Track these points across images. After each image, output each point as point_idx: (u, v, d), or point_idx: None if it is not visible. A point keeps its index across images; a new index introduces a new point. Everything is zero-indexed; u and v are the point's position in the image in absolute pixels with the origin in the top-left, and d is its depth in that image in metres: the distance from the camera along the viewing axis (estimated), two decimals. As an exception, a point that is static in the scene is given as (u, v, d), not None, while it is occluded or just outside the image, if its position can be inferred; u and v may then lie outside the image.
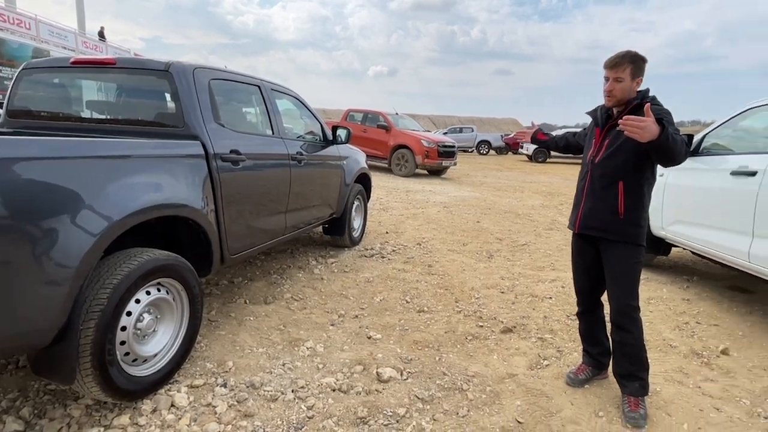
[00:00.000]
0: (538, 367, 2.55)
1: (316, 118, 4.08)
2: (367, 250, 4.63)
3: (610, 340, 2.26)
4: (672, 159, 1.88)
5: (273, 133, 3.23)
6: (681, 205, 3.90)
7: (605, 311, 2.34)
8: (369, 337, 2.78)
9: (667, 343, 2.90)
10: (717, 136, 4.02)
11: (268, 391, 2.13)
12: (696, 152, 3.98)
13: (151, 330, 2.04)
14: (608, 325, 2.27)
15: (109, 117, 2.84)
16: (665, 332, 3.06)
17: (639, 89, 2.07)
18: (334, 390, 2.20)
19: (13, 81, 2.88)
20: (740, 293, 3.90)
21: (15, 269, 1.48)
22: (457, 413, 2.08)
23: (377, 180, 10.39)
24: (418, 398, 2.17)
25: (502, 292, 3.67)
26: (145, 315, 1.99)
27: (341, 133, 4.14)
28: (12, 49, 12.81)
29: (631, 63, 2.00)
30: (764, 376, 2.55)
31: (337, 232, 4.51)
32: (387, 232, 5.48)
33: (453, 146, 12.37)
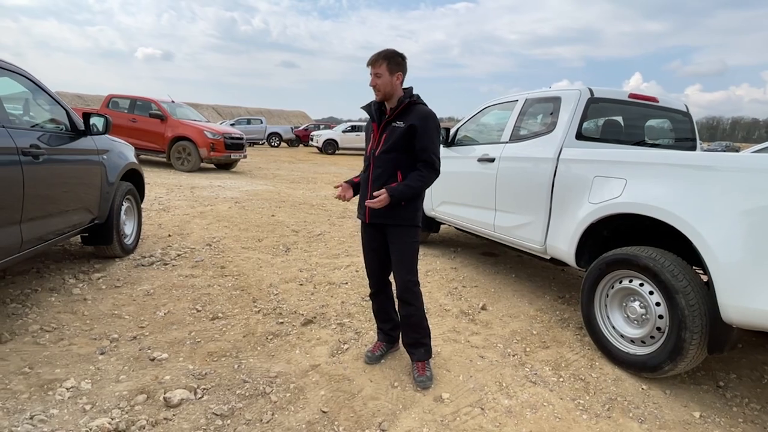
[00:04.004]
0: (339, 352, 2.62)
1: (60, 104, 3.29)
2: (144, 257, 4.02)
3: (399, 315, 2.48)
4: (420, 190, 2.31)
5: (-12, 121, 2.45)
6: (444, 188, 4.55)
7: (393, 289, 2.55)
8: (152, 359, 2.40)
9: (443, 308, 3.35)
10: (466, 130, 4.83)
11: (6, 460, 1.62)
12: (452, 143, 4.72)
13: None
14: (396, 302, 2.49)
15: None
16: (441, 299, 3.54)
17: (405, 87, 2.33)
18: (108, 432, 1.82)
19: None
20: (490, 257, 4.80)
21: None
22: (261, 420, 1.97)
23: (155, 177, 9.16)
24: (216, 415, 1.97)
25: (301, 284, 3.67)
26: None
27: (97, 122, 3.45)
28: None
29: (385, 59, 2.24)
30: (510, 323, 3.19)
31: (102, 241, 3.77)
32: (170, 235, 4.87)
33: (241, 138, 11.81)
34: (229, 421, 1.95)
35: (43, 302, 2.98)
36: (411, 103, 2.28)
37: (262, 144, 26.01)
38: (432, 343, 2.61)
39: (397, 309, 2.54)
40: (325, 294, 3.49)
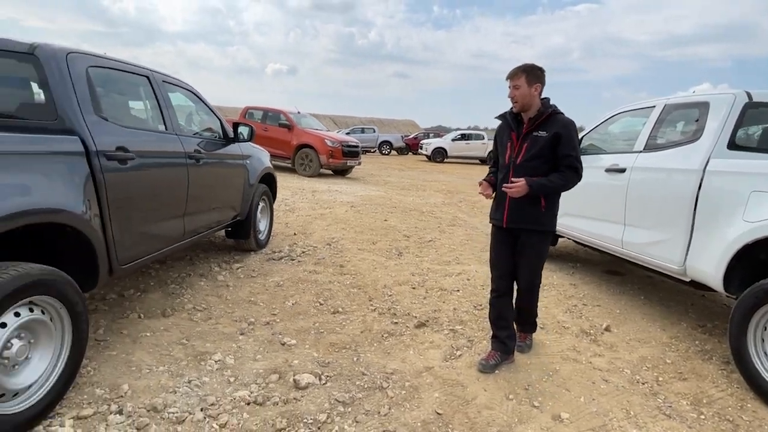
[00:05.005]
0: (452, 358, 2.64)
1: (215, 115, 3.81)
2: (274, 252, 4.45)
3: (516, 306, 2.70)
4: (559, 189, 2.48)
5: (166, 129, 2.94)
6: (566, 198, 4.30)
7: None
8: (283, 344, 2.65)
9: (561, 325, 3.18)
10: (591, 138, 4.54)
11: (173, 413, 1.92)
12: (576, 152, 4.47)
13: (23, 358, 1.73)
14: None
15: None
16: (558, 315, 3.37)
17: (543, 97, 2.45)
18: (248, 403, 2.05)
19: None
20: (614, 276, 4.44)
21: None
22: (379, 412, 2.07)
23: (281, 180, 10.03)
24: (339, 402, 2.12)
25: (414, 288, 3.76)
26: (15, 341, 1.69)
27: (243, 131, 3.92)
28: None
29: (524, 72, 2.39)
30: (639, 348, 2.92)
31: (241, 236, 4.26)
32: (295, 234, 5.32)
33: (357, 146, 12.44)
34: (350, 409, 2.08)
35: (195, 285, 3.46)
36: (552, 113, 2.42)
37: (374, 152, 27.04)
38: (549, 360, 2.55)
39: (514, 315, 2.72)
40: (437, 299, 3.54)
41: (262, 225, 4.62)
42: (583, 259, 4.98)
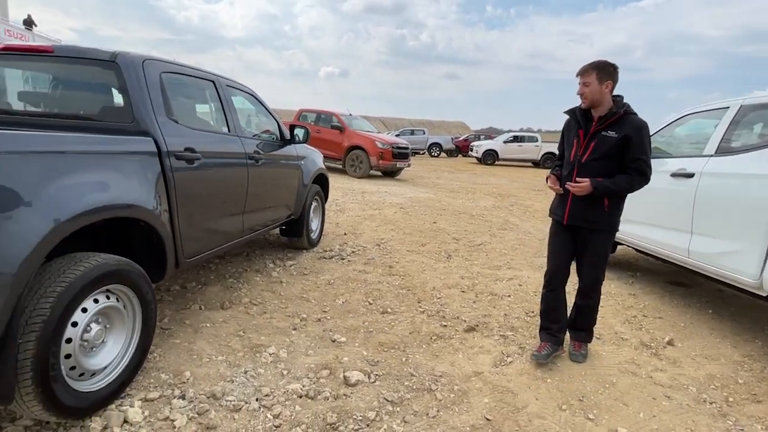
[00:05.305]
0: (503, 364, 2.59)
1: (273, 117, 3.95)
2: (326, 251, 4.55)
3: (575, 305, 2.70)
4: (624, 192, 2.45)
5: (229, 131, 3.09)
6: (627, 204, 4.12)
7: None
8: (333, 341, 2.71)
9: (619, 336, 3.04)
10: (655, 141, 4.29)
11: (230, 401, 2.02)
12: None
13: (99, 341, 1.88)
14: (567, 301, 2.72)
15: (46, 110, 2.60)
16: (616, 326, 3.22)
17: (616, 95, 2.40)
18: (300, 396, 2.12)
19: (-70, 68, 2.57)
20: (679, 287, 4.18)
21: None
22: (427, 414, 2.07)
23: (332, 181, 10.24)
24: (388, 401, 2.14)
25: (463, 291, 3.72)
26: (93, 325, 1.83)
27: (299, 133, 4.04)
28: (-77, 35, 11.53)
29: (595, 69, 2.34)
30: (706, 364, 2.74)
31: (294, 234, 4.40)
32: (345, 234, 5.42)
33: (407, 148, 12.47)
34: (398, 409, 2.10)
35: (251, 280, 3.61)
36: (624, 113, 2.35)
37: (423, 154, 26.97)
38: (606, 372, 2.45)
39: (567, 310, 2.74)
40: (487, 304, 3.48)
41: (315, 224, 4.74)
42: (643, 269, 4.73)
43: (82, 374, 1.81)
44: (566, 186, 2.46)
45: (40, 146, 1.67)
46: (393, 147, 11.73)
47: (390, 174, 12.74)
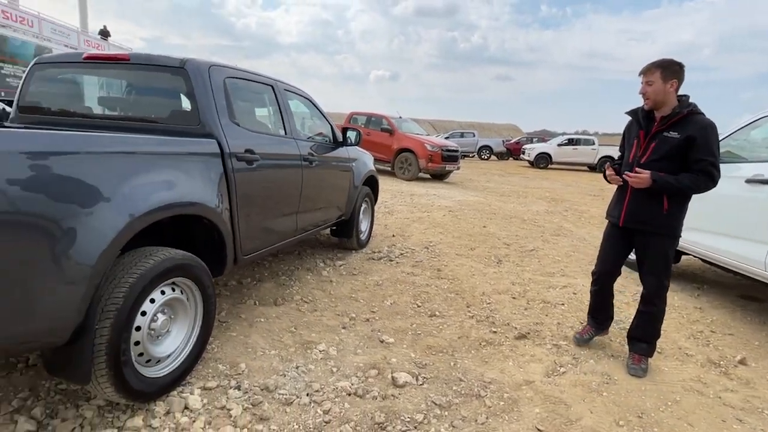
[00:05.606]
0: (555, 374, 2.50)
1: (327, 120, 4.04)
2: (374, 252, 4.60)
3: (637, 311, 2.62)
4: (686, 191, 2.31)
5: (286, 134, 3.19)
6: (694, 211, 3.87)
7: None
8: (382, 341, 2.73)
9: (683, 351, 2.86)
10: (727, 145, 4.00)
11: (282, 395, 2.09)
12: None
13: (164, 330, 2.00)
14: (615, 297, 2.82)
15: (121, 114, 2.80)
16: (680, 341, 3.03)
17: (681, 95, 2.32)
18: (349, 394, 2.15)
19: (24, 77, 2.84)
20: (752, 302, 3.87)
21: (33, 267, 1.44)
22: (476, 420, 2.04)
23: (380, 183, 10.32)
24: (436, 404, 2.13)
25: (514, 298, 3.63)
26: (160, 315, 1.95)
27: (351, 135, 4.11)
28: (14, 46, 12.75)
29: (659, 68, 2.26)
30: (784, 387, 2.52)
31: (345, 235, 4.47)
32: (393, 235, 5.44)
33: (457, 150, 12.35)
34: (446, 413, 2.08)
35: (303, 278, 3.71)
36: (689, 113, 2.26)
37: (472, 156, 26.60)
38: (668, 389, 2.32)
39: (613, 303, 2.81)
40: (540, 312, 3.38)
41: (364, 225, 4.80)
42: (711, 281, 4.41)
43: (148, 361, 1.93)
44: (624, 176, 2.39)
45: (116, 147, 1.81)
46: (442, 150, 11.65)
47: (439, 177, 12.66)
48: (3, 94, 9.87)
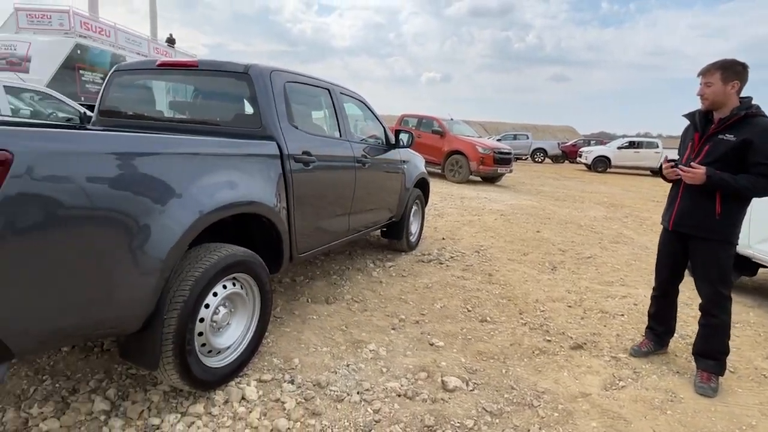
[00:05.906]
0: (614, 387, 2.39)
1: (380, 122, 4.09)
2: (424, 255, 4.59)
3: (699, 324, 2.49)
4: (743, 191, 2.15)
5: (341, 136, 3.26)
6: (773, 221, 3.57)
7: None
8: (431, 344, 2.72)
9: (759, 372, 2.64)
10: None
11: (334, 391, 2.13)
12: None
13: (225, 323, 2.10)
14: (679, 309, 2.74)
15: (189, 117, 2.97)
16: (756, 360, 2.80)
17: (744, 96, 2.20)
18: (399, 395, 2.16)
19: (105, 83, 3.08)
20: (842, 322, 3.50)
21: (113, 259, 1.56)
22: (529, 430, 1.99)
23: (431, 186, 10.28)
24: (486, 411, 2.10)
25: (569, 306, 3.50)
26: (221, 308, 2.05)
27: (404, 137, 4.12)
28: (94, 55, 13.82)
29: (720, 69, 2.17)
30: None
31: (395, 236, 4.49)
32: (443, 238, 5.40)
33: (509, 153, 12.06)
34: (497, 420, 2.04)
35: (353, 278, 3.77)
36: (747, 115, 2.14)
37: (526, 159, 25.87)
38: (742, 412, 2.14)
39: (676, 316, 2.73)
40: (597, 322, 3.24)
41: (414, 227, 4.80)
42: (793, 297, 4.04)
43: (210, 351, 2.03)
44: (678, 168, 2.28)
45: (187, 149, 1.92)
46: (494, 152, 11.42)
47: (490, 180, 12.42)
48: (83, 99, 10.72)
